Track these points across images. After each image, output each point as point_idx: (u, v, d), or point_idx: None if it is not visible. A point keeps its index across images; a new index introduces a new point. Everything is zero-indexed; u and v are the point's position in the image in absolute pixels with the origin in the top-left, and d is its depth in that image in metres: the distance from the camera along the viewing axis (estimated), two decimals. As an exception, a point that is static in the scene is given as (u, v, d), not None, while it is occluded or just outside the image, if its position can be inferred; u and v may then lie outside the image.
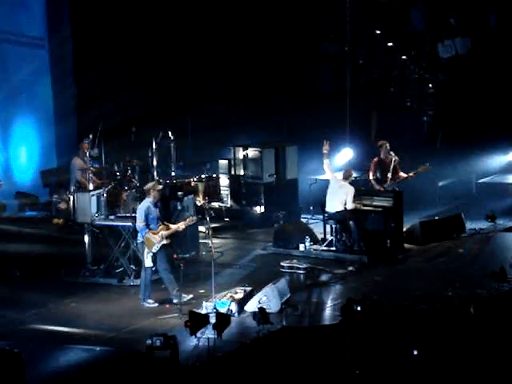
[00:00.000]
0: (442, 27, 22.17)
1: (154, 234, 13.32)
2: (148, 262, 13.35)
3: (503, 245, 16.34)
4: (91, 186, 15.46)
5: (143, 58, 20.84)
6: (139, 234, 13.46)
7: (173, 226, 13.63)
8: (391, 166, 16.56)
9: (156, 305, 13.36)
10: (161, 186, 13.94)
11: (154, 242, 13.29)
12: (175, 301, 13.25)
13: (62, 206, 17.08)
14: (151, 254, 13.31)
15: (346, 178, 16.00)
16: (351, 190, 15.81)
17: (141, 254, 13.66)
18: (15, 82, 19.42)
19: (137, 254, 14.79)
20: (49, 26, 20.21)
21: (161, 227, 13.42)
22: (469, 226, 17.28)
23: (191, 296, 13.39)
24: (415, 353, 10.34)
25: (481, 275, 13.98)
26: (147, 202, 13.45)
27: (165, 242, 13.38)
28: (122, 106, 19.85)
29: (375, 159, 16.79)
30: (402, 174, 16.66)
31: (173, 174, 17.75)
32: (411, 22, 22.72)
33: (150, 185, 13.77)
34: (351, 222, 15.75)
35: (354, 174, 16.66)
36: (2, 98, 19.33)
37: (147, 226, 13.32)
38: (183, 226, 13.78)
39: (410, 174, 16.67)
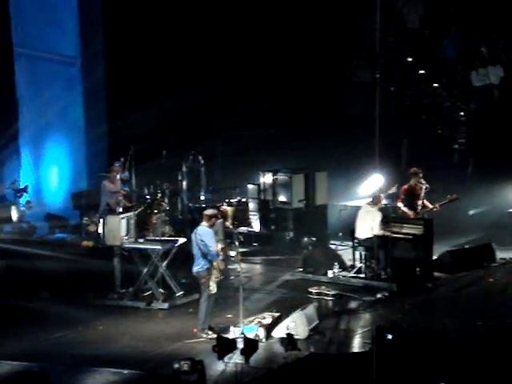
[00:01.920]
0: (475, 56, 22.13)
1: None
2: (214, 289, 13.05)
3: (534, 275, 16.23)
4: (121, 209, 15.53)
5: (175, 80, 20.93)
6: (200, 261, 13.00)
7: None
8: (422, 194, 16.51)
9: (215, 336, 12.49)
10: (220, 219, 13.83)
11: (221, 268, 13.12)
12: (196, 330, 13.08)
13: (92, 228, 17.13)
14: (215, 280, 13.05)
15: (375, 203, 15.98)
16: (378, 215, 15.77)
17: (204, 281, 13.07)
18: (47, 101, 19.50)
19: (165, 278, 14.83)
20: (82, 44, 20.18)
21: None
22: (499, 255, 17.11)
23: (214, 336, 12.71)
24: None
25: (510, 305, 13.93)
26: (208, 227, 13.11)
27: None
28: (153, 129, 19.93)
29: (405, 186, 16.65)
30: (428, 205, 16.58)
31: (202, 197, 17.79)
32: (444, 51, 22.71)
33: (213, 211, 13.45)
34: (380, 249, 15.68)
35: (384, 201, 16.61)
36: (33, 118, 19.46)
37: None
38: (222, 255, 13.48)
39: (436, 206, 16.56)
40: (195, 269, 13.15)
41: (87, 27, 20.16)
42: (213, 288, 13.01)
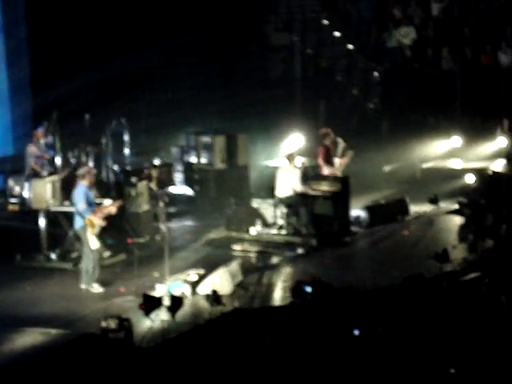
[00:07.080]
0: (389, 17, 22.60)
1: (95, 215, 13.46)
2: (94, 244, 13.39)
3: (446, 227, 16.72)
4: (45, 173, 15.65)
5: (98, 43, 20.87)
6: (78, 218, 13.48)
7: (105, 209, 13.77)
8: (339, 151, 16.76)
9: (102, 290, 13.42)
10: (95, 171, 14.12)
11: (96, 224, 13.40)
12: (83, 286, 13.50)
13: (18, 192, 17.21)
14: (94, 236, 13.41)
15: (289, 161, 16.25)
16: (296, 172, 16.06)
17: (83, 238, 13.55)
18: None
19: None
20: (2, 7, 19.95)
21: (98, 209, 13.62)
22: (413, 209, 17.60)
23: (102, 290, 13.46)
24: (356, 333, 10.70)
25: (424, 256, 14.31)
26: (83, 185, 13.56)
27: (102, 224, 13.57)
28: (76, 92, 19.91)
29: (321, 148, 16.76)
30: (342, 161, 16.71)
31: (127, 160, 17.97)
32: (360, 12, 23.11)
33: (85, 169, 13.93)
34: (300, 206, 16.08)
35: (301, 159, 16.87)
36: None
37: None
38: (114, 209, 13.86)
39: (346, 160, 16.83)
40: (75, 226, 13.66)
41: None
42: (93, 243, 13.36)
